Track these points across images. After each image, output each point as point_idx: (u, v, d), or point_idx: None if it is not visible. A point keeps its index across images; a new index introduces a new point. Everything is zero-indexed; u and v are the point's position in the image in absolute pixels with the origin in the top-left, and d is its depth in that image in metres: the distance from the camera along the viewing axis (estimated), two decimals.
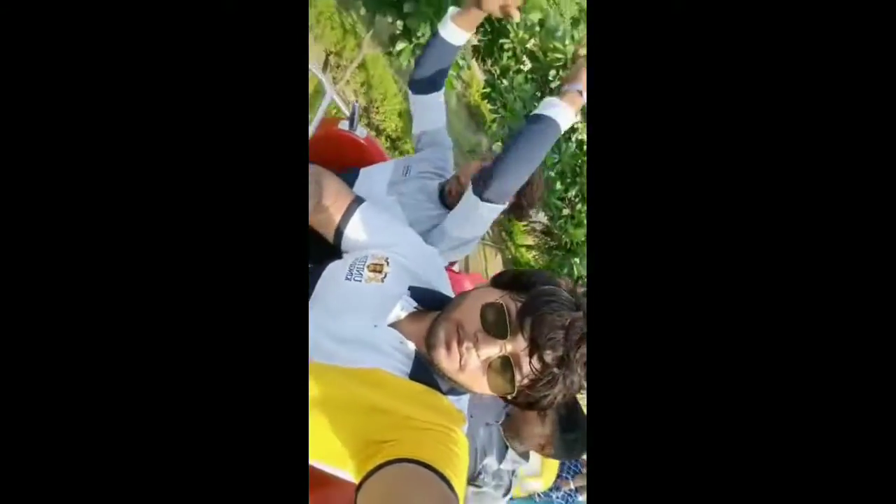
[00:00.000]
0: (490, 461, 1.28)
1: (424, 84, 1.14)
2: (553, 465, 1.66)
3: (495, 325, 0.61)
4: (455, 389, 0.67)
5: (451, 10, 1.06)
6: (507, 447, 1.31)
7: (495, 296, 0.64)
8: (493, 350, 0.61)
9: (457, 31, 1.06)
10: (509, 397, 0.63)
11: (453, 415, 0.64)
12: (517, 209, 1.24)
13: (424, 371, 0.66)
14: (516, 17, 0.95)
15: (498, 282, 0.70)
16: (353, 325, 0.68)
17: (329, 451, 0.58)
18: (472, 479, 1.28)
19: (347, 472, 0.58)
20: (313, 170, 0.79)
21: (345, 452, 0.57)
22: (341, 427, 0.58)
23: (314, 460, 0.59)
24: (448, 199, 1.21)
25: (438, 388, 0.66)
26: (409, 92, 1.19)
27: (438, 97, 1.18)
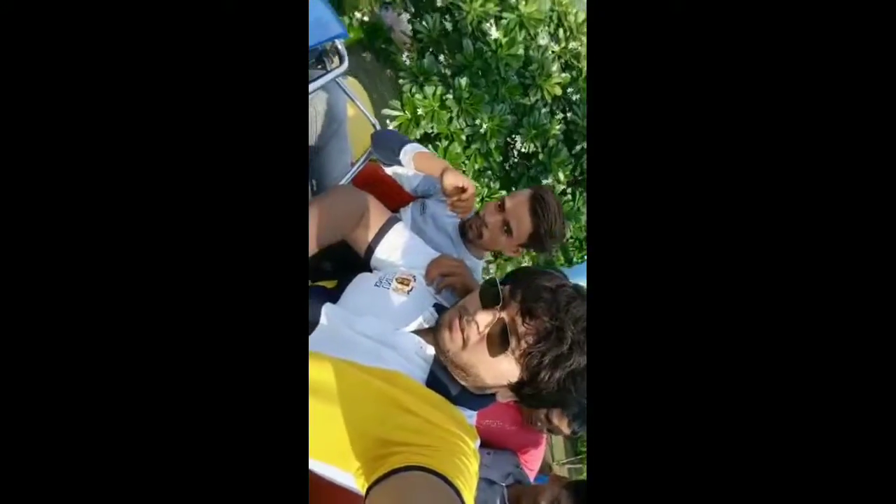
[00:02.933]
0: None
1: (389, 158, 1.19)
2: None
3: (489, 296, 0.66)
4: (464, 395, 0.69)
5: (416, 150, 1.14)
6: None
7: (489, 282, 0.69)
8: (489, 317, 0.65)
9: (411, 165, 1.15)
10: (509, 353, 0.64)
11: (467, 428, 0.65)
12: (538, 244, 1.22)
13: (440, 380, 0.68)
14: (466, 213, 1.07)
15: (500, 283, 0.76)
16: (375, 325, 0.72)
17: (333, 449, 0.58)
18: None
19: (349, 474, 0.58)
20: (351, 190, 0.88)
21: (352, 450, 0.57)
22: (354, 422, 0.59)
23: (314, 460, 0.59)
24: (470, 234, 1.23)
25: (451, 398, 0.68)
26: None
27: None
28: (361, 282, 0.81)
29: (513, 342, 0.63)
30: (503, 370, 0.65)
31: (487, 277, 0.70)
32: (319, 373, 0.61)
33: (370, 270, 0.87)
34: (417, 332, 0.73)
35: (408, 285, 0.80)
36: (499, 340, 0.64)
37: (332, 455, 0.59)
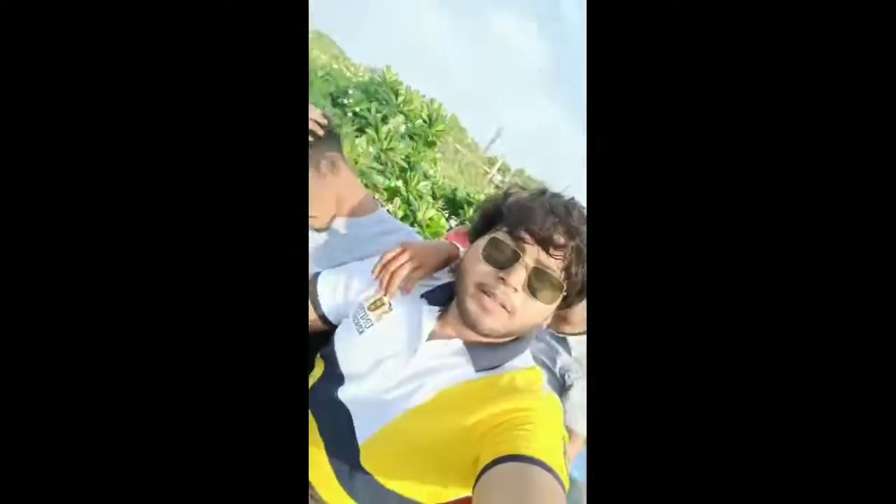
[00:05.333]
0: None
1: None
2: None
3: (504, 256, 0.62)
4: (511, 350, 0.67)
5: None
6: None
7: (484, 240, 0.66)
8: (521, 273, 0.61)
9: None
10: (565, 295, 0.64)
11: (522, 384, 0.63)
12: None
13: (484, 354, 0.66)
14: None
15: (475, 232, 0.72)
16: (394, 367, 0.66)
17: (439, 493, 0.59)
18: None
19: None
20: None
21: (451, 486, 0.58)
22: (434, 469, 0.59)
23: None
24: None
25: (502, 362, 0.66)
26: None
27: None
28: (345, 344, 0.71)
29: (553, 275, 0.61)
30: (551, 304, 0.64)
31: (487, 238, 0.65)
32: (387, 449, 0.59)
33: (333, 331, 0.77)
34: (431, 335, 0.68)
35: (384, 304, 0.73)
36: (542, 283, 0.62)
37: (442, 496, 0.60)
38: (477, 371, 0.65)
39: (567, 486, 0.51)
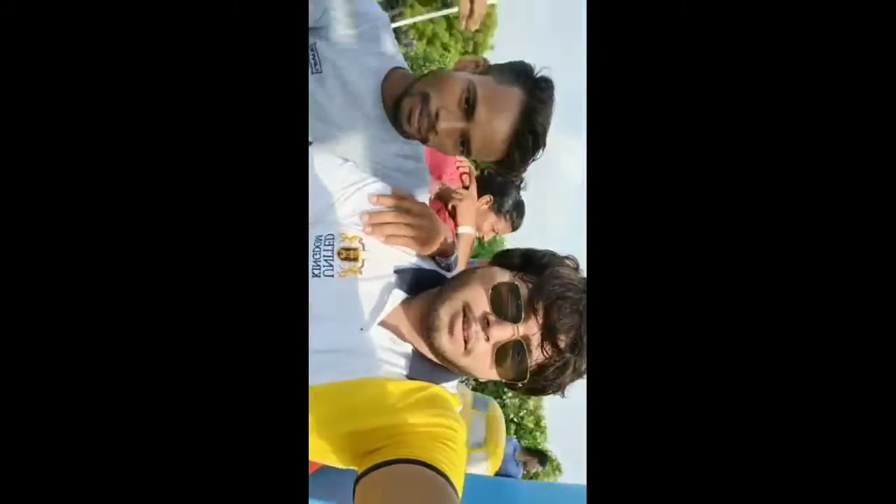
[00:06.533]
0: None
1: None
2: (499, 441, 1.63)
3: (508, 308, 0.57)
4: (446, 374, 0.64)
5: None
6: None
7: (506, 276, 0.60)
8: (505, 334, 0.56)
9: None
10: (520, 384, 0.60)
11: (448, 404, 0.62)
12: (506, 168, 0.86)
13: (422, 367, 0.63)
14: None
15: (505, 262, 0.65)
16: (334, 334, 0.60)
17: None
18: None
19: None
20: None
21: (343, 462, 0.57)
22: (333, 446, 0.57)
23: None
24: (405, 125, 0.78)
25: (434, 381, 0.63)
26: None
27: None
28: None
29: (529, 361, 0.57)
30: (501, 377, 0.59)
31: (507, 278, 0.58)
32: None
33: None
34: (385, 320, 0.63)
35: (356, 258, 0.65)
36: (513, 357, 0.57)
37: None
38: (406, 377, 0.62)
39: None
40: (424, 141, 0.77)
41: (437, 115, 0.72)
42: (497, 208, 1.50)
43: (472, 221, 1.16)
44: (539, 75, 0.75)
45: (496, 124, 0.71)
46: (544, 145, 0.75)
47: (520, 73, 0.74)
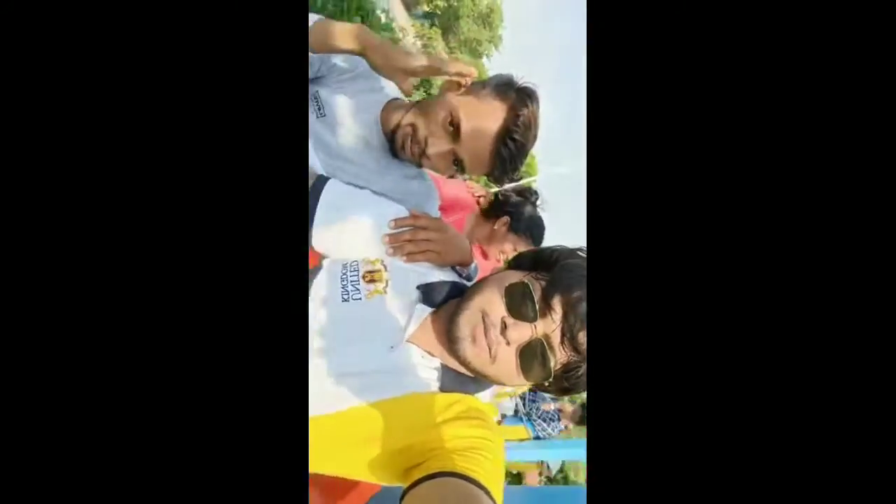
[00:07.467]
0: None
1: None
2: None
3: (522, 307, 0.57)
4: (479, 384, 0.64)
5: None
6: None
7: (517, 277, 0.60)
8: (524, 334, 0.56)
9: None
10: (546, 384, 0.60)
11: (484, 414, 0.62)
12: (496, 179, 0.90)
13: (454, 379, 0.63)
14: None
15: (518, 264, 0.66)
16: (367, 356, 0.62)
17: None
18: None
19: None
20: None
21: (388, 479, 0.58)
22: (376, 465, 0.58)
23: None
24: (399, 153, 0.86)
25: (467, 392, 0.64)
26: None
27: None
28: (323, 301, 0.65)
29: (552, 360, 0.56)
30: (528, 381, 0.60)
31: (519, 278, 0.58)
32: (333, 433, 0.57)
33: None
34: (412, 336, 0.64)
35: (380, 279, 0.67)
36: (536, 358, 0.57)
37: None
38: (439, 390, 0.62)
39: None
40: (420, 166, 0.83)
41: (425, 142, 0.77)
42: (514, 228, 1.51)
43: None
44: (520, 86, 0.78)
45: (481, 140, 0.76)
46: (526, 153, 0.78)
47: (500, 87, 0.78)
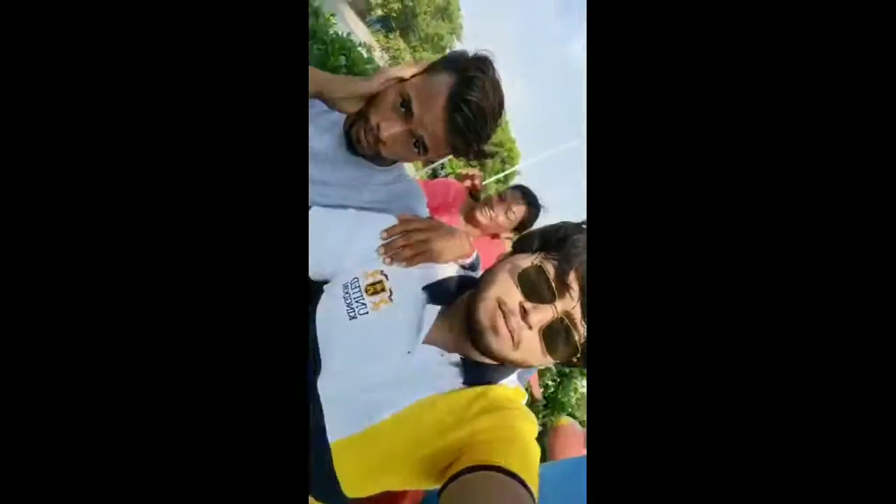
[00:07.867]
0: None
1: None
2: None
3: (539, 289, 0.57)
4: (504, 371, 0.64)
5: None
6: None
7: (528, 260, 0.59)
8: (545, 316, 0.56)
9: None
10: (575, 359, 0.59)
11: (511, 402, 0.62)
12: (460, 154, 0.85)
13: (477, 371, 0.63)
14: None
15: (524, 247, 0.65)
16: (385, 367, 0.61)
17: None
18: None
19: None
20: None
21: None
22: (413, 474, 0.58)
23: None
24: (359, 149, 0.83)
25: (492, 381, 0.63)
26: None
27: None
28: (332, 321, 0.65)
29: (576, 336, 0.56)
30: (555, 359, 0.60)
31: (531, 261, 0.58)
32: (358, 455, 0.58)
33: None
34: (428, 336, 0.63)
35: (384, 289, 0.67)
36: (560, 337, 0.57)
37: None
38: (464, 384, 0.62)
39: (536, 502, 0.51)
40: (378, 155, 0.80)
41: (378, 127, 0.75)
42: (503, 194, 1.60)
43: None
44: (472, 55, 0.76)
45: (433, 110, 0.72)
46: (486, 118, 0.74)
47: (450, 60, 0.76)
